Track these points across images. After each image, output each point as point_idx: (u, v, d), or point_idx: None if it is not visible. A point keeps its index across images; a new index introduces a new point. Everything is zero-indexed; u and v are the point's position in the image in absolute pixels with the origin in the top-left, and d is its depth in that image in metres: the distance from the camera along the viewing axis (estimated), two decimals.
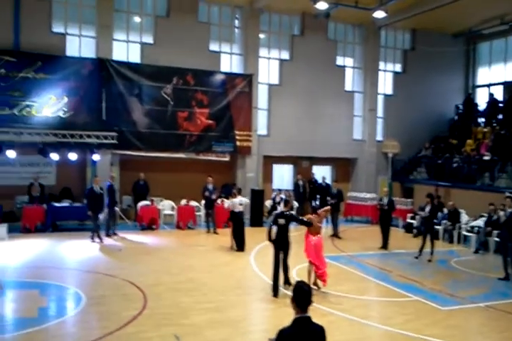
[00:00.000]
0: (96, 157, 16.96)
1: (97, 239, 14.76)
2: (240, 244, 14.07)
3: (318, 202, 19.10)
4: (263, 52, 21.33)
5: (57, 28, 18.13)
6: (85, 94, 17.71)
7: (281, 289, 9.97)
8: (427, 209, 13.82)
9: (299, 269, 11.27)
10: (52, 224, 16.33)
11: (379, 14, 19.53)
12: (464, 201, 17.47)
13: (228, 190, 18.16)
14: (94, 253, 13.44)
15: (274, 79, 21.65)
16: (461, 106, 24.41)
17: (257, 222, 18.46)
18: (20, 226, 15.97)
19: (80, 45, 18.51)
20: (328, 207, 12.51)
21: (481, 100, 24.26)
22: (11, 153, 15.90)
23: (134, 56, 19.26)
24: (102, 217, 15.63)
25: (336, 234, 16.68)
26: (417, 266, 12.91)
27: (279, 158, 21.81)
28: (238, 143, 20.21)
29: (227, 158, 20.17)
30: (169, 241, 15.52)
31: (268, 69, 21.51)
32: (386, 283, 11.01)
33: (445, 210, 17.12)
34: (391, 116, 23.51)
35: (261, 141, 20.92)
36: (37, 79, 17.08)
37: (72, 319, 8.17)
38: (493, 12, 21.17)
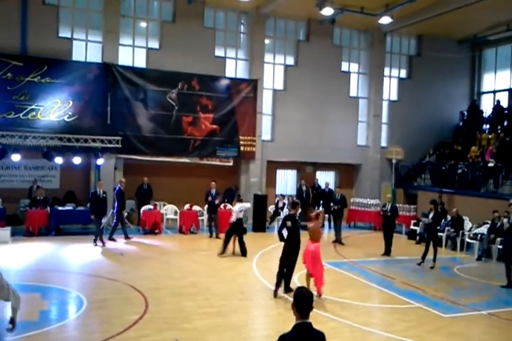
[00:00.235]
0: (100, 161, 17.00)
1: (99, 243, 14.78)
2: (223, 248, 13.89)
3: (321, 208, 19.12)
4: (268, 57, 21.38)
5: (64, 33, 18.25)
6: (90, 98, 17.80)
7: (282, 294, 9.98)
8: (431, 215, 13.80)
9: (300, 275, 11.24)
10: (55, 227, 16.39)
11: (385, 20, 19.61)
12: (468, 208, 17.40)
13: (231, 195, 18.18)
14: (97, 257, 13.47)
15: (279, 85, 21.70)
16: (465, 113, 24.36)
17: (259, 227, 18.47)
18: (23, 229, 16.05)
19: (86, 49, 18.62)
20: (320, 210, 12.36)
21: (486, 107, 24.24)
22: (15, 157, 15.95)
23: (140, 61, 19.35)
24: (104, 220, 15.69)
25: (338, 240, 16.64)
26: (419, 273, 12.87)
27: (282, 164, 21.83)
28: (242, 148, 20.25)
29: (230, 163, 20.20)
30: (172, 246, 15.52)
31: (273, 75, 21.57)
32: (388, 289, 10.98)
33: (448, 217, 17.07)
34: (396, 122, 23.49)
35: (265, 146, 20.95)
36: (43, 84, 17.18)
37: (74, 322, 8.19)
38: (499, 18, 21.17)
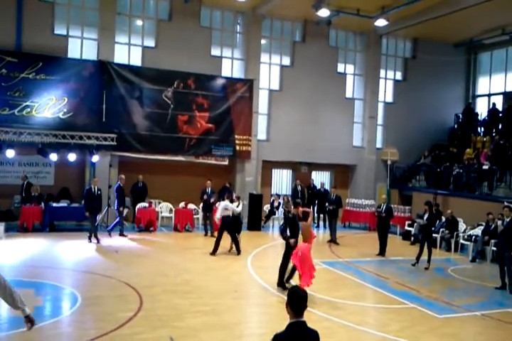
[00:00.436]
0: (95, 158, 16.96)
1: (94, 240, 14.72)
2: (214, 248, 13.75)
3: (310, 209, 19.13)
4: (264, 57, 21.40)
5: (60, 30, 18.17)
6: (86, 95, 17.75)
7: (277, 293, 9.97)
8: (425, 217, 13.83)
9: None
10: (49, 224, 16.31)
11: (380, 22, 19.66)
12: (462, 209, 17.47)
13: (226, 193, 18.05)
14: (91, 253, 13.41)
15: (275, 85, 21.71)
16: (461, 115, 24.45)
17: (254, 226, 18.48)
18: (17, 225, 15.98)
19: (82, 47, 18.55)
20: (308, 210, 12.10)
21: (481, 110, 24.33)
22: (10, 153, 15.90)
23: (136, 59, 19.30)
24: (99, 217, 15.64)
25: (333, 240, 16.65)
26: (414, 274, 12.88)
27: (278, 163, 21.84)
28: (238, 148, 20.24)
29: (226, 162, 20.20)
30: (166, 244, 15.50)
31: (269, 75, 21.58)
32: (383, 289, 10.97)
33: (443, 218, 17.11)
34: (391, 124, 23.57)
35: (260, 146, 20.94)
36: (38, 80, 17.10)
37: (68, 319, 8.14)
38: (495, 22, 21.29)
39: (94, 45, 18.66)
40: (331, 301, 9.85)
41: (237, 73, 20.97)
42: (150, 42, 19.54)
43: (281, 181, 22.72)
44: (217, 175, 19.30)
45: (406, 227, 18.40)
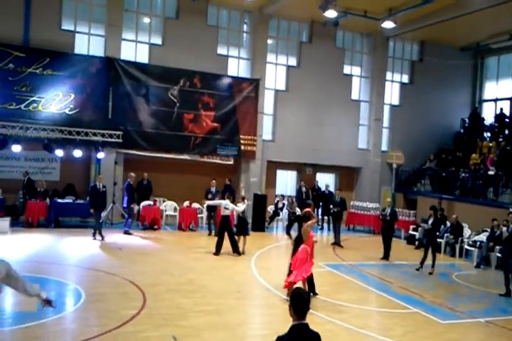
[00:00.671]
0: (100, 155, 16.95)
1: (98, 237, 14.69)
2: (217, 250, 13.67)
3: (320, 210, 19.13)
4: (270, 57, 21.39)
5: (67, 26, 18.22)
6: (92, 92, 17.76)
7: (280, 294, 9.93)
8: (430, 221, 13.72)
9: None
10: (54, 219, 16.29)
11: (388, 24, 19.60)
12: (467, 215, 17.37)
13: (230, 191, 17.91)
14: (95, 250, 13.39)
15: (281, 85, 21.68)
16: (467, 120, 24.39)
17: (259, 227, 18.40)
18: (23, 220, 15.99)
19: (89, 43, 18.59)
20: (308, 209, 11.99)
21: (488, 115, 24.27)
22: (16, 148, 15.91)
23: (142, 56, 19.32)
24: (103, 214, 15.62)
25: (337, 243, 16.58)
26: (418, 278, 12.80)
27: (283, 164, 21.81)
28: (243, 147, 20.24)
29: (231, 162, 20.19)
30: (170, 242, 15.48)
31: (275, 75, 21.56)
32: (386, 294, 10.90)
33: (448, 223, 17.02)
34: (397, 127, 23.52)
35: (265, 146, 20.92)
36: (45, 76, 17.13)
37: (71, 315, 8.10)
38: (502, 27, 21.22)
39: (101, 41, 18.68)
40: (334, 304, 9.79)
41: (243, 73, 20.95)
42: (157, 40, 19.54)
43: (286, 182, 22.68)
44: (222, 175, 19.26)
45: (410, 231, 18.29)
